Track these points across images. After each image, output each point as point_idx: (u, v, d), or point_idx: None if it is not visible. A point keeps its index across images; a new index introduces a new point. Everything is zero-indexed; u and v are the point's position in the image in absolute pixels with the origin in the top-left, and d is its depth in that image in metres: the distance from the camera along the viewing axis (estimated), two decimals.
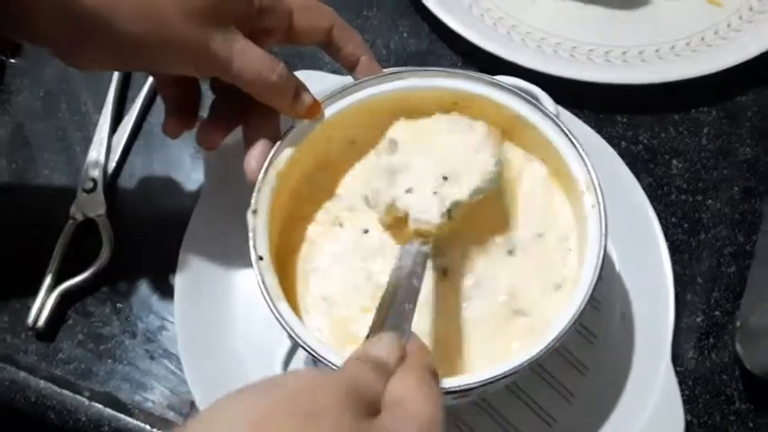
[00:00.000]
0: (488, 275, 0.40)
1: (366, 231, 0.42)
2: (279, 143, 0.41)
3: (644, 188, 0.47)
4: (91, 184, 0.50)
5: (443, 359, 0.38)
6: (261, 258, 0.38)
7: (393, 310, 0.33)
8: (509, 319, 0.39)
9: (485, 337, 0.39)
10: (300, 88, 0.40)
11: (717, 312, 0.45)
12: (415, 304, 0.33)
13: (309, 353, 0.36)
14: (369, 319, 0.39)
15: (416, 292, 0.34)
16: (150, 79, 0.54)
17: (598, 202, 0.38)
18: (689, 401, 0.43)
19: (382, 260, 0.41)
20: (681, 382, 0.43)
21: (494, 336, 0.39)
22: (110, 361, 0.46)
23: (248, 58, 0.38)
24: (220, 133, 0.42)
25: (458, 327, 0.39)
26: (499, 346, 0.39)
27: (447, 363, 0.38)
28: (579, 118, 0.50)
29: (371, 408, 0.26)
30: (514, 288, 0.40)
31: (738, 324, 0.43)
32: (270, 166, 0.40)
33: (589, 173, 0.39)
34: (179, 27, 0.36)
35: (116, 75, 0.54)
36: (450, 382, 0.35)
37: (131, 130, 0.53)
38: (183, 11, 0.36)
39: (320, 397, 0.24)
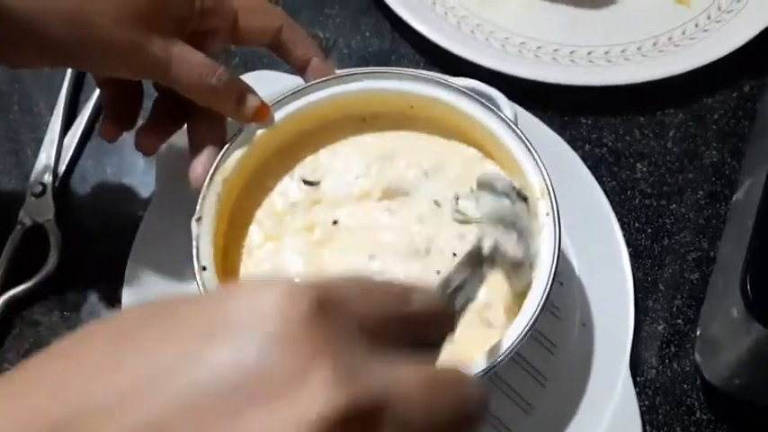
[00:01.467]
0: None
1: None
2: (226, 148, 0.39)
3: (607, 192, 0.46)
4: (40, 188, 0.49)
5: None
6: (204, 269, 0.37)
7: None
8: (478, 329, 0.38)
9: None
10: (245, 91, 0.39)
11: (679, 320, 0.44)
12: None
13: None
14: None
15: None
16: None
17: (552, 210, 0.37)
18: (649, 412, 0.42)
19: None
20: (641, 392, 0.43)
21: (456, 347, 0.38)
22: None
23: (186, 63, 0.36)
24: (159, 137, 0.41)
25: None
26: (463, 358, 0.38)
27: None
28: (543, 120, 0.49)
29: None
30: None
31: (698, 333, 0.42)
32: (216, 172, 0.39)
33: (544, 179, 0.38)
34: (113, 32, 0.34)
35: (68, 74, 0.53)
36: None
37: (83, 131, 0.51)
38: (117, 15, 0.34)
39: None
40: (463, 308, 0.27)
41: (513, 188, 0.36)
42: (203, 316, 0.18)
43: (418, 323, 0.21)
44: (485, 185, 0.36)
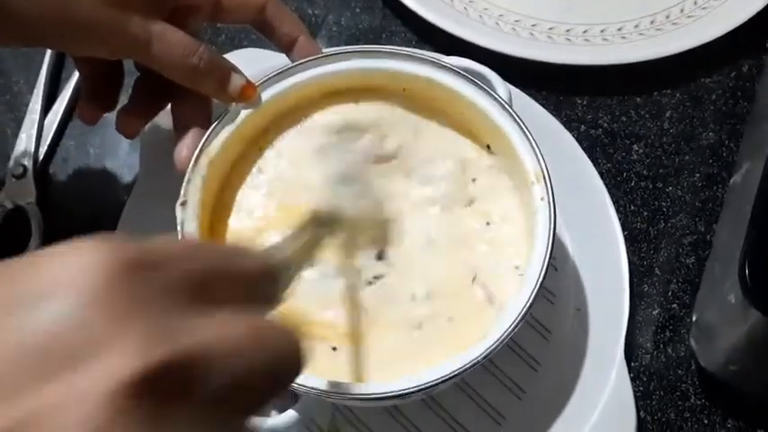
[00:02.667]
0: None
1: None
2: (211, 129, 0.38)
3: (603, 174, 0.45)
4: (21, 170, 0.47)
5: (388, 357, 0.37)
6: None
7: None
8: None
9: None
10: (229, 71, 0.38)
11: (674, 305, 0.44)
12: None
13: None
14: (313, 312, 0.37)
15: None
16: None
17: (547, 194, 0.36)
18: (643, 397, 0.42)
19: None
20: (635, 378, 0.42)
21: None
22: None
23: (167, 41, 0.35)
24: (142, 119, 0.39)
25: (409, 323, 0.37)
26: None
27: (369, 359, 0.37)
28: (538, 100, 0.47)
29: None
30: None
31: (694, 319, 0.42)
32: (201, 154, 0.38)
33: (539, 162, 0.37)
34: (91, 10, 0.33)
35: (49, 52, 0.51)
36: (395, 386, 0.33)
37: (65, 111, 0.50)
38: None
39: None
40: (294, 272, 0.26)
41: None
42: (8, 283, 0.17)
43: (242, 280, 0.21)
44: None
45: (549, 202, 0.36)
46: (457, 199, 0.39)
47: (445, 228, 0.39)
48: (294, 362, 0.20)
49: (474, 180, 0.40)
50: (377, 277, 0.38)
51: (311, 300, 0.37)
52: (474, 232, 0.39)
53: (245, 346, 0.19)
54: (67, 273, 0.17)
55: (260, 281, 0.22)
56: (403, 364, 0.35)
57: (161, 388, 0.16)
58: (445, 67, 0.39)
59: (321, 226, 0.31)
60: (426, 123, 0.41)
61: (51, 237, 0.46)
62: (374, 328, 0.37)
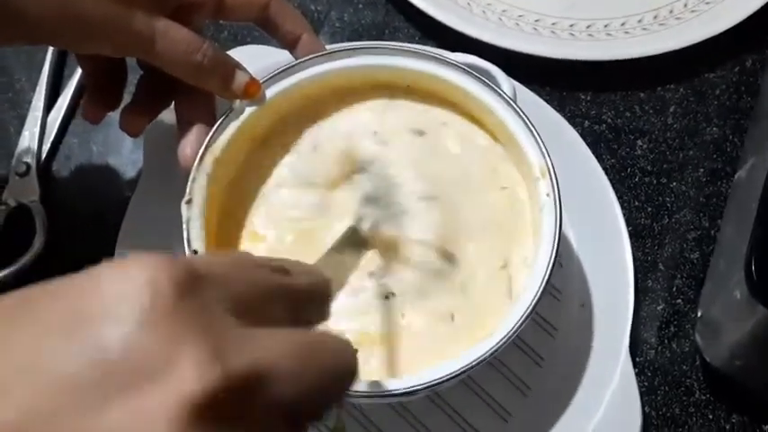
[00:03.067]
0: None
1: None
2: (216, 127, 0.38)
3: (606, 170, 0.45)
4: (24, 168, 0.47)
5: (395, 355, 0.37)
6: (195, 253, 0.36)
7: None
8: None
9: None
10: (233, 68, 0.37)
11: (678, 300, 0.44)
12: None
13: None
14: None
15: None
16: None
17: (553, 190, 0.36)
18: (648, 393, 0.42)
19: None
20: (640, 373, 0.42)
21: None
22: None
23: (170, 39, 0.35)
24: (145, 117, 0.39)
25: (413, 319, 0.37)
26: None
27: (399, 359, 0.37)
28: (541, 95, 0.47)
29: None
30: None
31: (699, 314, 0.42)
32: (206, 152, 0.38)
33: (545, 158, 0.37)
34: (94, 7, 0.33)
35: (51, 48, 0.51)
36: (401, 383, 0.33)
37: (67, 108, 0.49)
38: None
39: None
40: (338, 288, 0.27)
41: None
42: (63, 304, 0.17)
43: (294, 299, 0.21)
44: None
45: (554, 198, 0.36)
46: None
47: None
48: (349, 373, 0.21)
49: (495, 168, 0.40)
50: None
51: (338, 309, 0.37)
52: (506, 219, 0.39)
53: (301, 363, 0.19)
54: (125, 291, 0.17)
55: (312, 299, 0.22)
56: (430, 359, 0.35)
57: (223, 408, 0.16)
58: (450, 63, 0.39)
59: (359, 244, 0.33)
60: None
61: (56, 235, 0.46)
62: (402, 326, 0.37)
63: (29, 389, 0.16)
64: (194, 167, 0.37)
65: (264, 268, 0.21)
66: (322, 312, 0.23)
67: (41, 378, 0.16)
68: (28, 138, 0.48)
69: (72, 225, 0.46)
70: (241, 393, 0.17)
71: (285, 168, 0.40)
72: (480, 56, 0.41)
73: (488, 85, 0.38)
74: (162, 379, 0.16)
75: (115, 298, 0.17)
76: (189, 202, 0.36)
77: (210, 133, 0.38)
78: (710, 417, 0.41)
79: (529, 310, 0.34)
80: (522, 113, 0.37)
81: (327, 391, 0.20)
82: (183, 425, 0.16)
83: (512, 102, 0.38)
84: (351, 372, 0.21)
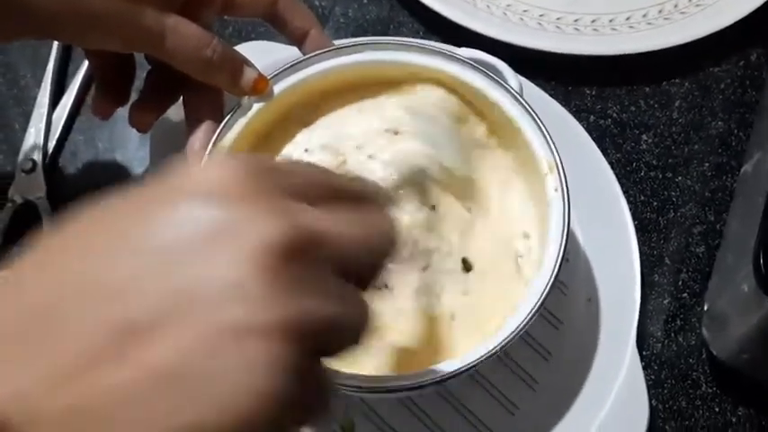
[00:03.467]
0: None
1: None
2: (224, 122, 0.38)
3: (612, 164, 0.45)
4: (30, 165, 0.47)
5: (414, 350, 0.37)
6: None
7: None
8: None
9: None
10: (241, 64, 0.38)
11: (684, 294, 0.44)
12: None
13: None
14: None
15: None
16: None
17: (561, 185, 0.36)
18: (654, 386, 0.42)
19: None
20: (646, 367, 0.42)
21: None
22: None
23: (180, 34, 0.35)
24: (154, 113, 0.39)
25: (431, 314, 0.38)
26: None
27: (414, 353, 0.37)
28: (546, 90, 0.47)
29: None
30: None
31: (705, 308, 0.42)
32: (215, 148, 0.38)
33: (553, 154, 0.37)
34: (103, 2, 0.33)
35: (56, 44, 0.51)
36: (410, 379, 0.33)
37: (73, 104, 0.49)
38: None
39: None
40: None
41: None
42: (165, 183, 0.22)
43: (354, 198, 0.24)
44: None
45: (562, 194, 0.36)
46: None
47: None
48: (393, 239, 0.24)
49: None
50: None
51: None
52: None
53: (356, 231, 0.22)
54: (211, 176, 0.21)
55: (363, 198, 0.25)
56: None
57: (295, 253, 0.20)
58: (457, 58, 0.39)
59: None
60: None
61: None
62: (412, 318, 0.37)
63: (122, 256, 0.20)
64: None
65: (323, 170, 0.25)
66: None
67: (133, 244, 0.20)
68: (34, 134, 0.48)
69: None
70: (308, 243, 0.20)
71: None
72: (484, 51, 0.41)
73: (496, 81, 0.38)
74: (242, 233, 0.20)
75: (204, 180, 0.21)
76: None
77: (219, 129, 0.38)
78: (717, 410, 0.42)
79: (538, 305, 0.34)
80: (530, 109, 0.38)
81: (374, 254, 0.24)
82: (266, 263, 0.19)
83: (519, 97, 0.38)
84: (393, 237, 0.24)
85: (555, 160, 0.37)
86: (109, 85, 0.40)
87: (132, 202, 0.22)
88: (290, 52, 0.45)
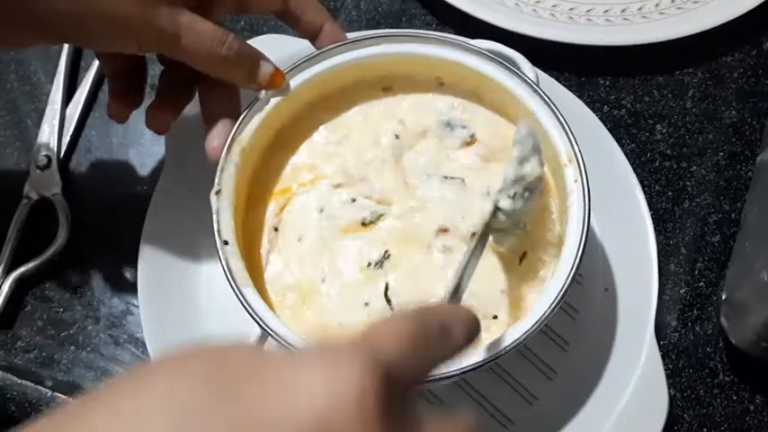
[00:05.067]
0: None
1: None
2: (242, 117, 0.38)
3: (627, 155, 0.45)
4: (45, 161, 0.47)
5: None
6: (226, 243, 0.36)
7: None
8: None
9: None
10: (257, 59, 0.37)
11: (701, 283, 0.44)
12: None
13: (278, 341, 0.34)
14: (341, 302, 0.37)
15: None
16: None
17: (581, 177, 0.36)
18: (672, 375, 0.42)
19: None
20: (664, 356, 0.42)
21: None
22: (72, 348, 0.44)
23: (195, 33, 0.35)
24: (171, 113, 0.39)
25: None
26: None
27: None
28: (560, 81, 0.47)
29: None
30: None
31: (723, 297, 0.42)
32: (233, 143, 0.38)
33: (572, 145, 0.37)
34: (118, 4, 0.33)
35: None
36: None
37: (86, 100, 0.49)
38: None
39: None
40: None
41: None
42: (272, 409, 0.18)
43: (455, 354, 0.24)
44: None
45: (582, 184, 0.36)
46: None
47: None
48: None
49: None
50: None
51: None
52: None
53: None
54: (331, 406, 0.18)
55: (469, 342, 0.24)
56: None
57: None
58: (474, 50, 0.39)
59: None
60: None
61: (79, 226, 0.46)
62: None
63: None
64: (222, 158, 0.37)
65: (430, 339, 0.22)
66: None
67: None
68: (47, 131, 0.48)
69: (95, 216, 0.46)
70: None
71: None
72: (497, 41, 0.41)
73: (514, 72, 0.38)
74: None
75: (324, 413, 0.18)
76: (218, 192, 0.37)
77: (237, 124, 0.38)
78: (735, 398, 0.42)
79: (559, 297, 0.35)
80: (549, 100, 0.38)
81: None
82: None
83: (538, 88, 0.38)
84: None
85: (574, 151, 0.37)
86: (123, 89, 0.40)
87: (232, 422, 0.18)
88: (303, 45, 0.45)
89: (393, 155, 0.39)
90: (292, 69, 0.39)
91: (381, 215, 0.38)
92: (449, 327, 0.23)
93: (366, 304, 0.37)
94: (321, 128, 0.41)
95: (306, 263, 0.38)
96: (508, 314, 0.37)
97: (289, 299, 0.37)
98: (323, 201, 0.39)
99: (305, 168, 0.40)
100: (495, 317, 0.37)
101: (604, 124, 0.46)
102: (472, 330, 0.24)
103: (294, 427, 0.18)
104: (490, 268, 0.38)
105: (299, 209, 0.39)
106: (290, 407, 0.18)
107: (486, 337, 0.36)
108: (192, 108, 0.41)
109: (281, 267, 0.38)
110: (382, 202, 0.39)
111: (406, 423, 0.20)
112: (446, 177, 0.39)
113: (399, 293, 0.37)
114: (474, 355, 0.34)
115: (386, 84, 0.40)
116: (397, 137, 0.40)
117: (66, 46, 0.50)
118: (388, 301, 0.37)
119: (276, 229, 0.39)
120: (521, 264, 0.38)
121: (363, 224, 0.38)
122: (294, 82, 0.39)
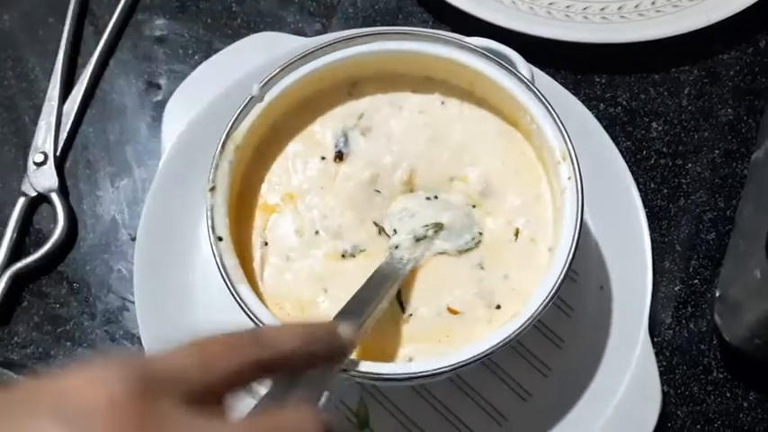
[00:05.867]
0: None
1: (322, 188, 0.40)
2: (236, 115, 0.38)
3: (622, 152, 0.45)
4: (42, 157, 0.47)
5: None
6: (220, 239, 0.36)
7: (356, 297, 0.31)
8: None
9: None
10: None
11: (695, 281, 0.44)
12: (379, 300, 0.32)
13: None
14: (331, 296, 0.38)
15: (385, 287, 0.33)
16: (102, 42, 0.50)
17: (574, 174, 0.36)
18: (666, 372, 0.43)
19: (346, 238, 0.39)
20: (658, 353, 0.43)
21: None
22: (68, 344, 0.44)
23: None
24: None
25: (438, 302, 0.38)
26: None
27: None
28: (556, 79, 0.47)
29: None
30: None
31: (717, 295, 0.42)
32: (227, 140, 0.38)
33: (566, 142, 0.37)
34: None
35: (64, 38, 0.51)
36: (426, 365, 0.34)
37: (83, 97, 0.49)
38: None
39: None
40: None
41: None
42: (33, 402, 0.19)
43: (266, 368, 0.23)
44: None
45: (576, 181, 0.36)
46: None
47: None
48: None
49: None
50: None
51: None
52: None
53: None
54: (83, 406, 0.19)
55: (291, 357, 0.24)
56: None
57: None
58: (469, 47, 0.39)
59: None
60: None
61: (75, 223, 0.46)
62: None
63: None
64: (216, 155, 0.37)
65: (233, 345, 0.22)
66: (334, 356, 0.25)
67: None
68: (44, 128, 0.48)
69: (92, 212, 0.47)
70: None
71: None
72: (494, 40, 0.41)
73: (507, 69, 0.38)
74: None
75: (75, 414, 0.18)
76: (212, 189, 0.37)
77: (231, 121, 0.38)
78: (728, 395, 0.42)
79: (552, 293, 0.35)
80: (542, 97, 0.38)
81: None
82: None
83: (533, 86, 0.38)
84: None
85: (568, 148, 0.37)
86: None
87: None
88: (299, 42, 0.45)
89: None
90: (288, 66, 0.39)
91: (362, 251, 0.39)
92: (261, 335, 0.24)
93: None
94: (317, 122, 0.41)
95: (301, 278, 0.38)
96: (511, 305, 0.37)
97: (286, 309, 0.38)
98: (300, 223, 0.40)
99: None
100: (499, 306, 0.37)
101: (600, 122, 0.46)
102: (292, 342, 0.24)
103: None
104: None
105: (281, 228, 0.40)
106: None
107: (486, 330, 0.36)
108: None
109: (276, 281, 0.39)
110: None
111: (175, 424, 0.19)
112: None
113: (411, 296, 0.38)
114: (467, 351, 0.34)
115: (377, 81, 0.40)
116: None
117: (63, 42, 0.50)
118: (401, 303, 0.37)
119: (266, 244, 0.39)
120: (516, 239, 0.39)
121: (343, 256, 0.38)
122: (289, 78, 0.39)
